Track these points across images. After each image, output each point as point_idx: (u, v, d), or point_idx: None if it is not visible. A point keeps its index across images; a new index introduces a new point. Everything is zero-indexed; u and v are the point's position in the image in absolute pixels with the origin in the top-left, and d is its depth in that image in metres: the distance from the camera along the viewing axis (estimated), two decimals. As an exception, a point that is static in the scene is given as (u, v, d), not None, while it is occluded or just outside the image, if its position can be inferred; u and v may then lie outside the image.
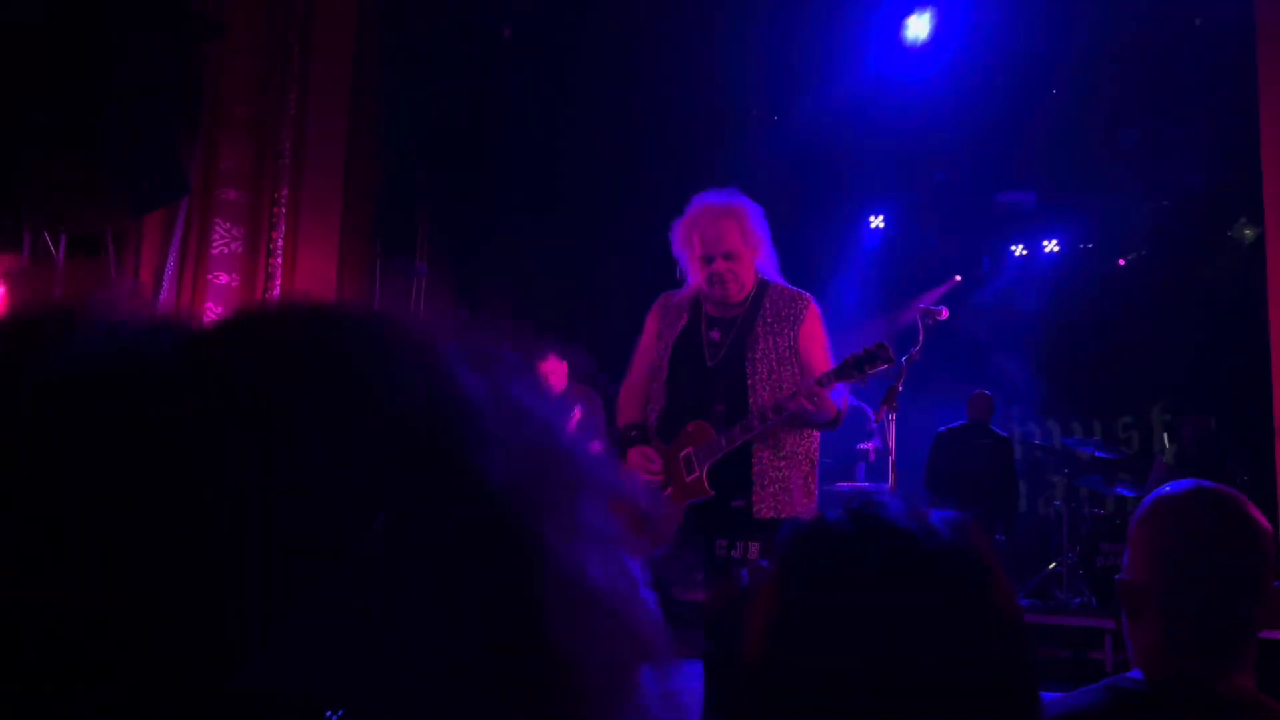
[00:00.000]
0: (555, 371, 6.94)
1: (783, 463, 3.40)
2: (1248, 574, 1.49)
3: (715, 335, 3.53)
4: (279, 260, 5.89)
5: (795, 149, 8.43)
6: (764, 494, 3.36)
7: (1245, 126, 5.07)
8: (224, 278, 5.93)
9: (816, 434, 3.50)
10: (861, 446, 7.84)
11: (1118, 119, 8.05)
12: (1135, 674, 1.54)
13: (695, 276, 3.53)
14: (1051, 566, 7.75)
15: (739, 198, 3.57)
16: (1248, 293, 4.43)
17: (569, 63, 7.79)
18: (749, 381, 3.42)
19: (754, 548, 3.34)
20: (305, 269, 5.93)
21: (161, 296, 5.74)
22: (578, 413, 6.91)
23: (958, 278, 9.49)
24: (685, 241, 3.55)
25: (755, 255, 3.53)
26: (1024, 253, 9.38)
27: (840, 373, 3.34)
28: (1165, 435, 8.68)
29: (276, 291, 5.88)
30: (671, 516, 3.41)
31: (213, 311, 5.87)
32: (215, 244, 5.92)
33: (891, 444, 3.87)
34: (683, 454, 3.46)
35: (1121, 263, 9.00)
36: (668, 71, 7.75)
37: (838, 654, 0.86)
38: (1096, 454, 7.74)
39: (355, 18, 6.27)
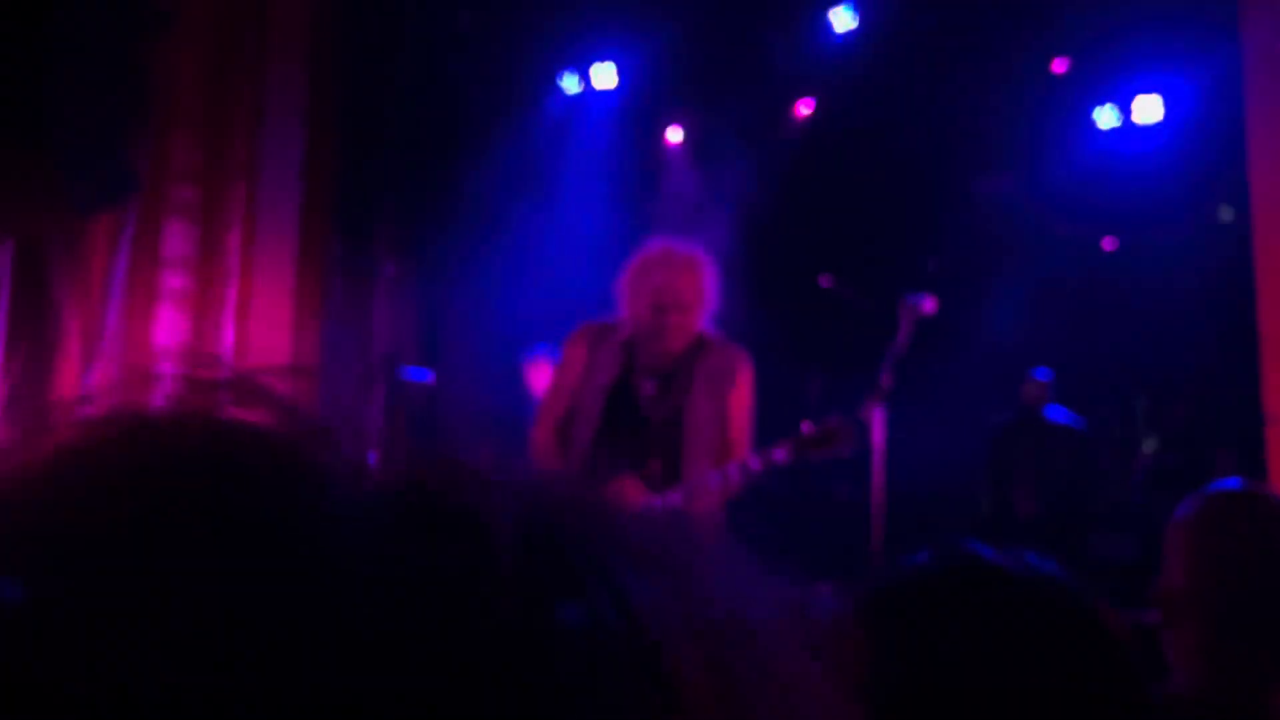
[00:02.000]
0: (544, 373, 6.80)
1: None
2: None
3: (650, 388, 3.38)
4: (234, 261, 5.68)
5: (769, 144, 8.31)
6: None
7: (1224, 107, 4.97)
8: (177, 279, 5.70)
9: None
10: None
11: (1098, 98, 7.97)
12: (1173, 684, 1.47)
13: (639, 322, 3.38)
14: (1036, 558, 7.68)
15: (702, 252, 3.45)
16: (1232, 279, 4.34)
17: (531, 50, 7.64)
18: (684, 448, 3.30)
19: None
20: (262, 269, 5.73)
21: (111, 299, 5.51)
22: None
23: (932, 264, 9.39)
24: (634, 284, 3.40)
25: (704, 313, 3.43)
26: (1004, 236, 9.27)
27: (796, 451, 3.25)
28: (1147, 425, 8.63)
29: (232, 292, 5.66)
30: None
31: (165, 315, 5.65)
32: (167, 244, 5.70)
33: (879, 441, 3.73)
34: None
35: (1108, 248, 8.94)
36: (628, 57, 7.63)
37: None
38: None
39: (310, 7, 6.07)
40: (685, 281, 3.33)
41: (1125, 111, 7.69)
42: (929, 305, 3.81)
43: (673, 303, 3.29)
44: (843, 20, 7.16)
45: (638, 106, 8.12)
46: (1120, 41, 7.11)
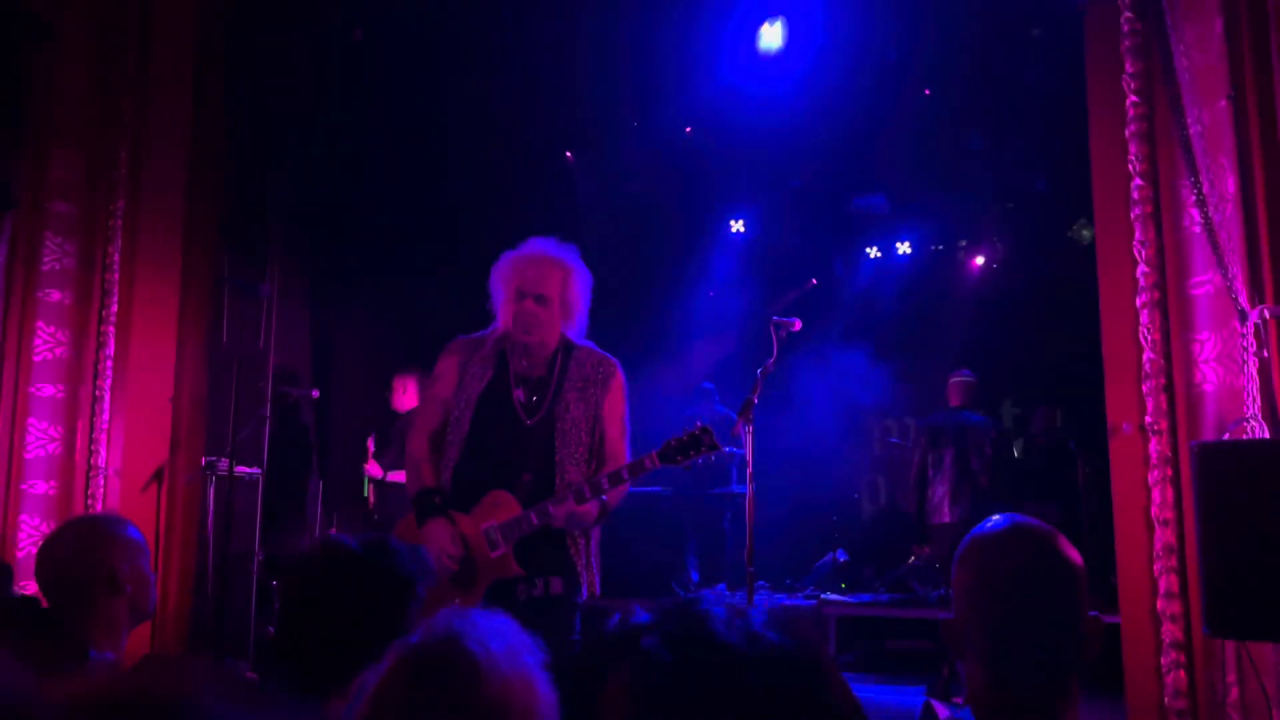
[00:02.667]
0: (411, 390, 6.87)
1: (593, 538, 3.40)
2: (1059, 610, 1.51)
3: (521, 395, 3.41)
4: (115, 276, 5.59)
5: (655, 157, 8.48)
6: (585, 572, 3.35)
7: (1081, 131, 5.30)
8: (55, 295, 5.60)
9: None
10: (728, 450, 7.93)
11: (965, 124, 8.31)
12: (966, 713, 1.54)
13: (505, 315, 3.44)
14: (911, 560, 7.97)
15: (573, 256, 3.51)
16: (1088, 290, 4.64)
17: (427, 67, 7.64)
18: (557, 456, 3.32)
19: (556, 582, 3.29)
20: (144, 286, 5.65)
21: (-13, 316, 5.39)
22: None
23: (814, 281, 9.69)
24: (503, 277, 3.47)
25: (567, 314, 3.47)
26: (878, 255, 9.62)
27: (663, 458, 3.26)
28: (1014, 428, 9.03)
29: (114, 307, 5.59)
30: (475, 594, 3.26)
31: (44, 331, 5.54)
32: (46, 259, 5.58)
33: (749, 454, 3.90)
34: (484, 526, 3.28)
35: (977, 262, 9.31)
36: (527, 77, 7.68)
37: None
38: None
39: (195, 19, 5.99)
40: (547, 275, 3.39)
41: (990, 135, 8.08)
42: (797, 325, 4.04)
43: (532, 292, 3.36)
44: (771, 37, 7.14)
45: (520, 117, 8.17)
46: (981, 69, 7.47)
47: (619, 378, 3.47)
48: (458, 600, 3.27)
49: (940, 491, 6.90)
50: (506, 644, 1.33)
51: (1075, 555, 1.55)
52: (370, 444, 6.80)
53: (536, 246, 3.49)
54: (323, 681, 1.75)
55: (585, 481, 3.24)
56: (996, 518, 1.62)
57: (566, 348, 3.48)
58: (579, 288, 3.49)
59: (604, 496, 3.24)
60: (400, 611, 1.85)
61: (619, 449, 3.42)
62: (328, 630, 1.77)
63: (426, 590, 1.95)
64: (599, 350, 3.51)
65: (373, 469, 6.77)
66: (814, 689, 0.83)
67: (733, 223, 9.61)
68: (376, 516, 6.94)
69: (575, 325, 3.52)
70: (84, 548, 2.25)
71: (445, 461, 3.41)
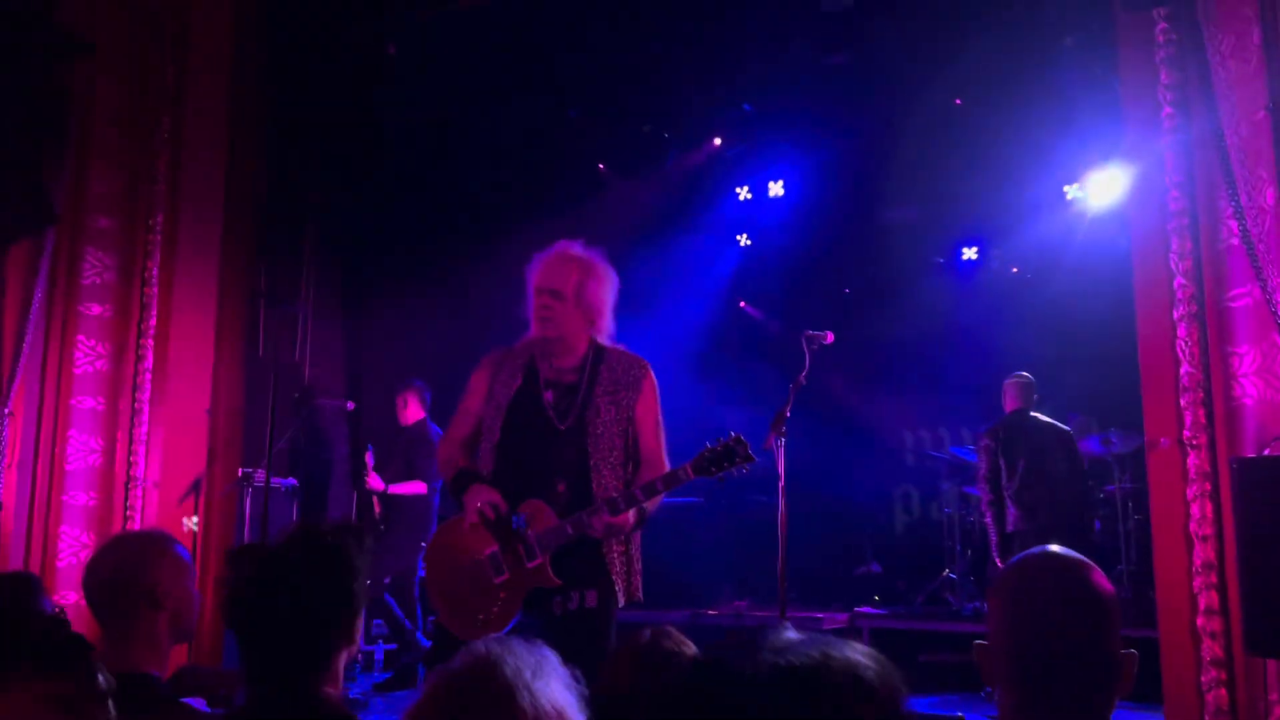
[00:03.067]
0: (412, 405, 6.91)
1: (632, 545, 3.37)
2: (1090, 643, 1.52)
3: (550, 398, 3.40)
4: (154, 290, 5.68)
5: (684, 168, 8.49)
6: (621, 578, 3.32)
7: (1116, 141, 5.26)
8: (95, 308, 5.69)
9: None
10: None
11: (1000, 132, 8.27)
12: None
13: (530, 312, 3.46)
14: (945, 573, 7.91)
15: (595, 257, 3.49)
16: (1125, 302, 4.60)
17: (459, 82, 7.70)
18: (591, 461, 3.29)
19: (591, 595, 3.27)
20: (182, 299, 5.73)
21: (29, 329, 5.48)
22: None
23: (846, 290, 9.69)
24: (530, 274, 3.49)
25: (586, 312, 3.44)
26: (910, 265, 9.57)
27: (697, 470, 3.23)
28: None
29: (152, 322, 5.66)
30: (511, 605, 3.25)
31: (84, 344, 5.63)
32: (86, 274, 5.68)
33: (781, 468, 3.89)
34: (526, 534, 3.28)
35: (1015, 271, 9.24)
36: (554, 87, 7.74)
37: None
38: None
39: (231, 35, 6.08)
40: (562, 270, 3.39)
41: (1025, 147, 8.03)
42: (829, 338, 4.03)
43: (545, 286, 3.38)
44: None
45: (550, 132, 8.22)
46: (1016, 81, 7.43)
47: (650, 379, 3.45)
48: (501, 597, 3.27)
49: (1015, 500, 6.65)
50: (543, 674, 1.35)
51: (1108, 586, 1.57)
52: (369, 457, 6.81)
53: (558, 246, 3.52)
54: (297, 659, 1.79)
55: (620, 494, 3.21)
56: (1028, 552, 1.64)
57: (597, 351, 3.46)
58: (596, 286, 3.45)
59: (639, 508, 3.21)
60: (342, 579, 1.87)
61: (655, 451, 3.39)
62: (276, 611, 1.80)
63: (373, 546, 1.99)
64: (630, 353, 3.49)
65: (374, 482, 6.79)
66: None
67: (752, 235, 9.63)
68: (384, 528, 6.95)
69: (602, 328, 3.49)
70: (129, 563, 2.28)
71: (480, 470, 3.41)
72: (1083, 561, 1.58)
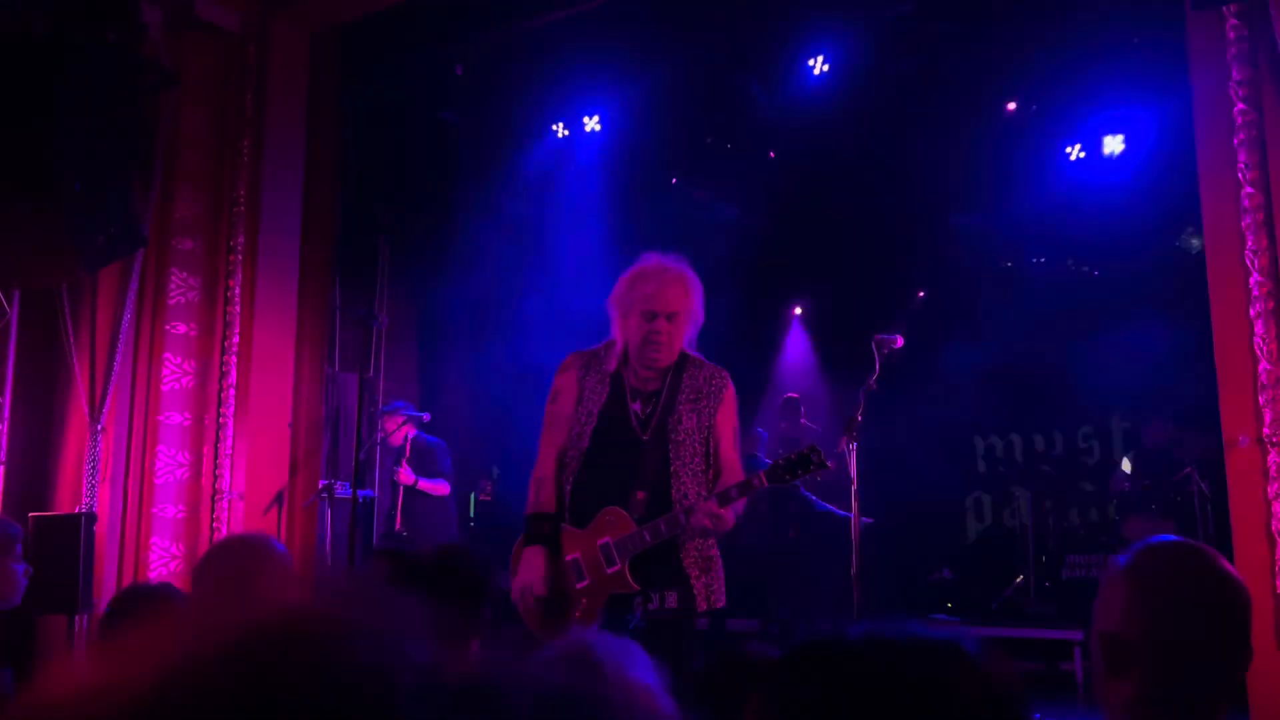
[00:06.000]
0: (391, 429, 6.98)
1: (709, 545, 3.38)
2: (1230, 635, 1.52)
3: (638, 408, 3.43)
4: (236, 308, 5.87)
5: (750, 179, 8.54)
6: (700, 580, 3.33)
7: (1188, 141, 5.21)
8: (181, 327, 5.90)
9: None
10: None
11: (1070, 135, 8.20)
12: None
13: (629, 334, 3.44)
14: (1019, 579, 7.83)
15: (688, 268, 3.51)
16: (1200, 301, 4.55)
17: (525, 98, 7.85)
18: (672, 466, 3.33)
19: (671, 597, 3.30)
20: (263, 316, 5.91)
21: (119, 348, 5.70)
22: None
23: (921, 294, 9.64)
24: (625, 297, 3.46)
25: (694, 327, 3.48)
26: (980, 269, 9.50)
27: (772, 478, 3.28)
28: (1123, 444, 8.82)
29: (235, 339, 5.85)
30: (592, 610, 3.31)
31: (171, 361, 5.84)
32: (172, 294, 5.90)
33: (853, 472, 3.91)
34: (600, 543, 3.34)
35: (1081, 273, 9.13)
36: (620, 102, 7.83)
37: None
38: (1058, 465, 7.86)
39: (307, 62, 6.28)
40: (674, 291, 3.39)
41: (1091, 148, 7.97)
42: (899, 342, 4.04)
43: (663, 310, 3.36)
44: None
45: (626, 153, 8.32)
46: (1082, 83, 7.37)
47: (730, 389, 3.47)
48: (583, 602, 3.35)
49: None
50: (630, 657, 1.41)
51: (1239, 577, 1.57)
52: (407, 449, 6.88)
53: (655, 262, 3.49)
54: None
55: (684, 510, 3.27)
56: (1157, 537, 1.63)
57: (682, 360, 3.48)
58: (700, 299, 3.48)
59: (717, 515, 3.23)
60: (472, 607, 1.93)
61: (733, 460, 3.43)
62: None
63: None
64: (710, 363, 3.52)
65: (405, 475, 6.82)
66: (925, 681, 0.85)
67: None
68: (401, 529, 6.95)
69: (693, 339, 3.53)
70: (239, 567, 2.37)
71: (566, 475, 3.47)
72: (1217, 553, 1.59)
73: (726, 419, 3.45)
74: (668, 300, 3.39)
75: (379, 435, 6.82)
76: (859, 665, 0.86)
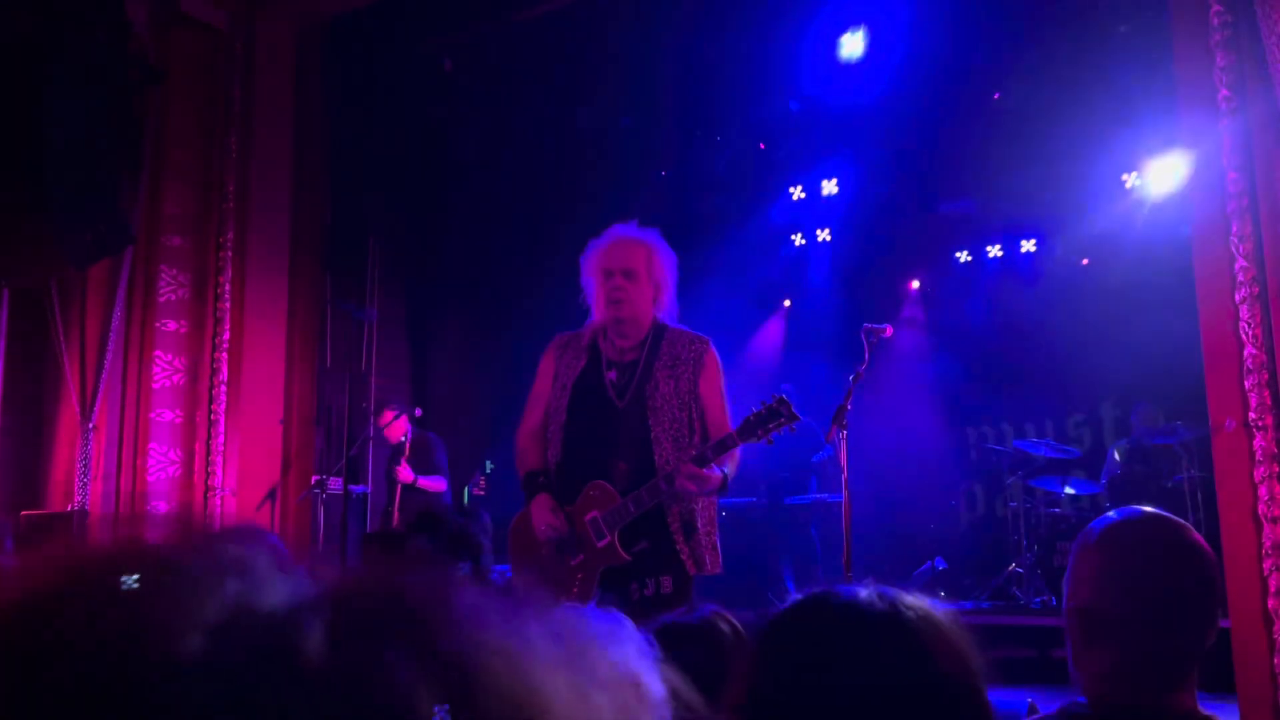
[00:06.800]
0: (388, 424, 6.97)
1: (697, 514, 3.38)
2: (1198, 600, 1.55)
3: (613, 376, 3.47)
4: (227, 305, 5.87)
5: (738, 168, 8.55)
6: (686, 549, 3.33)
7: (1172, 127, 5.23)
8: (172, 324, 5.90)
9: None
10: (816, 459, 7.95)
11: (1052, 123, 8.21)
12: (1082, 699, 1.58)
13: (597, 299, 3.51)
14: (1011, 567, 7.86)
15: (655, 236, 3.57)
16: (1187, 288, 4.57)
17: (511, 92, 7.84)
18: (653, 433, 3.34)
19: (666, 581, 3.31)
20: (254, 312, 5.91)
21: (110, 346, 5.70)
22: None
23: (915, 284, 9.67)
24: (591, 264, 3.54)
25: (656, 291, 3.51)
26: (968, 259, 9.53)
27: (742, 434, 3.26)
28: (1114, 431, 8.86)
29: (226, 336, 5.85)
30: (588, 585, 3.33)
31: (162, 359, 5.83)
32: (162, 291, 5.89)
33: (844, 461, 3.92)
34: (588, 518, 3.36)
35: (1083, 263, 9.14)
36: (609, 94, 7.83)
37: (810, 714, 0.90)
38: (1049, 454, 7.88)
39: (294, 58, 6.27)
40: (630, 250, 3.47)
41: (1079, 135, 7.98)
42: (888, 331, 4.05)
43: (617, 267, 3.43)
44: (853, 46, 7.23)
45: (622, 147, 8.31)
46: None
47: (712, 354, 3.49)
48: (579, 578, 3.37)
49: None
50: (616, 640, 1.43)
51: (1208, 547, 1.59)
52: (406, 447, 6.88)
53: (618, 230, 3.59)
54: None
55: (665, 476, 3.28)
56: (1127, 509, 1.65)
57: (658, 330, 3.52)
58: (664, 264, 3.53)
59: (700, 475, 3.23)
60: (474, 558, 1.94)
61: (724, 427, 3.41)
62: None
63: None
64: (690, 331, 3.55)
65: (405, 473, 6.82)
66: (911, 637, 0.92)
67: (819, 232, 9.63)
68: (399, 526, 6.94)
69: (666, 306, 3.56)
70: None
71: (550, 454, 3.51)
72: (1185, 524, 1.61)
73: (711, 384, 3.44)
74: (622, 257, 3.47)
75: (370, 431, 6.81)
76: (848, 623, 0.90)
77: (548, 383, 3.59)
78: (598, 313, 3.55)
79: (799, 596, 0.98)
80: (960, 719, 0.92)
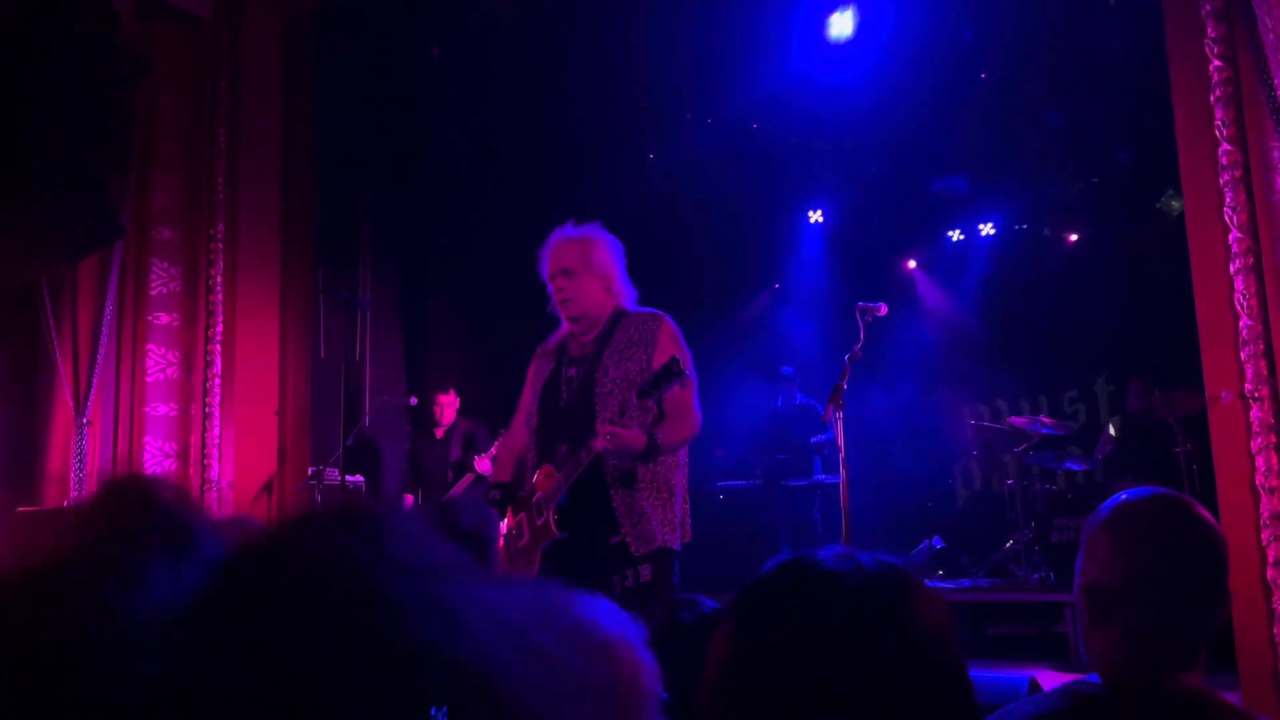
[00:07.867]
0: (450, 404, 6.99)
1: (639, 495, 3.35)
2: (1207, 578, 1.55)
3: (571, 373, 3.54)
4: (219, 297, 5.85)
5: (728, 150, 8.52)
6: (630, 531, 3.33)
7: (1164, 100, 5.23)
8: (164, 318, 5.88)
9: (673, 461, 3.42)
10: (815, 440, 7.94)
11: (1044, 100, 8.20)
12: (1093, 677, 1.58)
13: (554, 303, 3.59)
14: (1009, 544, 7.88)
15: (593, 229, 3.61)
16: (1182, 261, 4.56)
17: (499, 77, 7.80)
18: (600, 419, 3.34)
19: (645, 570, 3.31)
20: (246, 304, 5.89)
21: (102, 341, 5.68)
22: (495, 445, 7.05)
23: (911, 263, 9.66)
24: (542, 263, 3.61)
25: (604, 281, 3.53)
26: (961, 238, 9.53)
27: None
28: (1109, 406, 8.87)
29: (219, 328, 5.83)
30: (530, 561, 3.40)
31: (155, 352, 5.82)
32: (153, 284, 5.87)
33: (840, 441, 3.92)
34: (535, 499, 3.45)
35: (1072, 239, 9.14)
36: (597, 78, 7.79)
37: (787, 682, 0.91)
38: (1045, 431, 7.89)
39: (281, 48, 6.24)
40: (564, 249, 3.52)
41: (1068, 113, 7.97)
42: (883, 310, 4.05)
43: (556, 268, 3.51)
44: (841, 25, 7.14)
45: (611, 136, 8.28)
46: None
47: (666, 328, 3.47)
48: (531, 558, 3.46)
49: None
50: (610, 613, 1.43)
51: (1217, 525, 1.60)
52: (457, 436, 6.87)
53: (554, 234, 3.64)
54: None
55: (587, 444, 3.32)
56: (1136, 489, 1.66)
57: (615, 318, 3.54)
58: (601, 254, 3.55)
59: (617, 445, 3.21)
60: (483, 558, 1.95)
61: (680, 399, 3.37)
62: None
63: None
64: (647, 310, 3.56)
65: (483, 464, 6.84)
66: (894, 605, 0.95)
67: (811, 213, 9.61)
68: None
69: (619, 291, 3.57)
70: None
71: (529, 458, 3.60)
72: (1194, 501, 1.61)
73: (664, 354, 3.38)
74: (558, 258, 3.53)
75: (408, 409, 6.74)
76: (827, 586, 0.92)
77: (527, 391, 3.69)
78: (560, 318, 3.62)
79: (769, 565, 1.00)
80: (929, 668, 0.94)
